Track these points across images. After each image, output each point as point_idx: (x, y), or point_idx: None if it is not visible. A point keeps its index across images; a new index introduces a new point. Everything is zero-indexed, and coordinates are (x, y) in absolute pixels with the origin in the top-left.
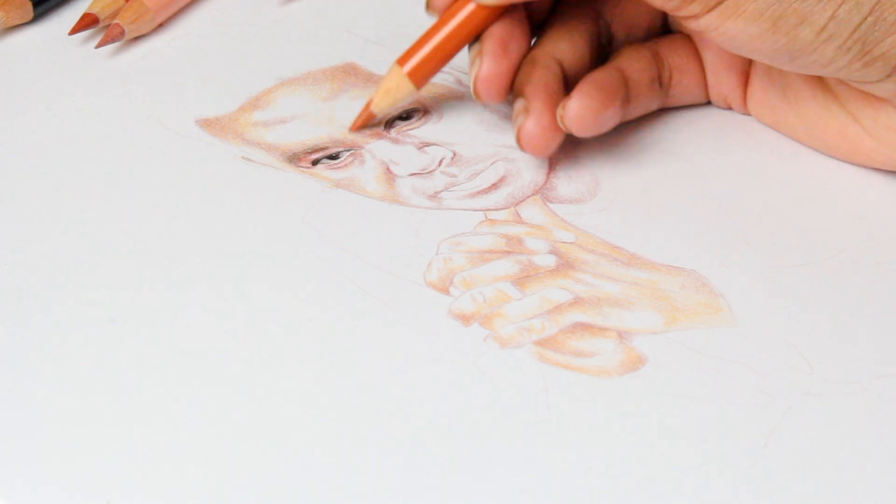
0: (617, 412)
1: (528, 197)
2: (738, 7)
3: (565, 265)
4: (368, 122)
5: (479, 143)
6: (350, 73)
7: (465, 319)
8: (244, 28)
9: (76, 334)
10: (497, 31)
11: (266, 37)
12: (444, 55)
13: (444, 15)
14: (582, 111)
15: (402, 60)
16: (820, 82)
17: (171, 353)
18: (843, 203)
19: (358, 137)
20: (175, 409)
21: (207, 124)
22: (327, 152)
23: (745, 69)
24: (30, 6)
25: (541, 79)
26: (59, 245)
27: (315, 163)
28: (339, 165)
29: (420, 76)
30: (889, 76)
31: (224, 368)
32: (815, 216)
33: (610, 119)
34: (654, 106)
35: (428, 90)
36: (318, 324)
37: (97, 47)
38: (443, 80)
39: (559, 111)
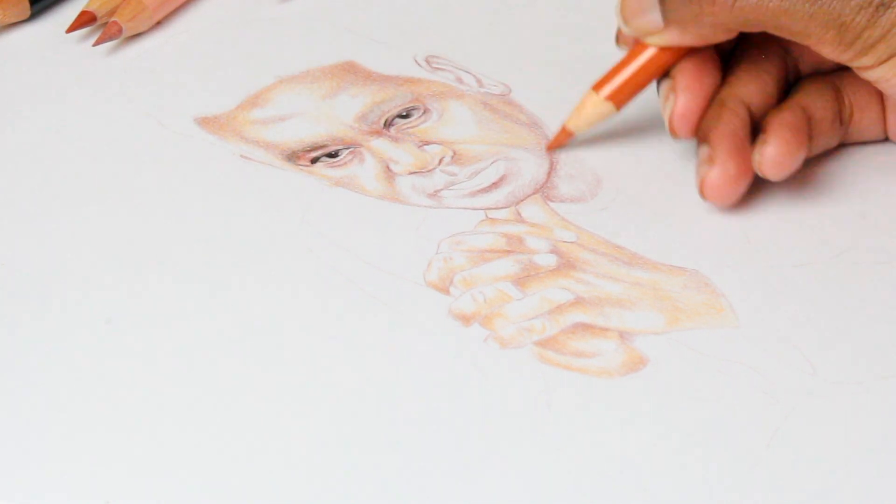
0: (618, 413)
1: (529, 196)
2: None
3: (566, 265)
4: (564, 142)
5: (480, 141)
6: (349, 71)
7: (466, 319)
8: (243, 26)
9: (73, 334)
10: (690, 66)
11: (265, 34)
12: (637, 83)
13: (636, 47)
14: (779, 156)
15: (597, 87)
16: None
17: (168, 353)
18: (843, 203)
19: (357, 135)
20: (173, 408)
21: (206, 122)
22: (326, 150)
23: None
24: (27, 4)
25: (728, 125)
26: (55, 244)
27: (314, 161)
28: (338, 163)
29: (618, 99)
30: None
31: (222, 368)
32: (815, 216)
33: (801, 160)
34: (834, 143)
35: (428, 88)
36: (318, 323)
37: (94, 45)
38: (443, 78)
39: (756, 156)
